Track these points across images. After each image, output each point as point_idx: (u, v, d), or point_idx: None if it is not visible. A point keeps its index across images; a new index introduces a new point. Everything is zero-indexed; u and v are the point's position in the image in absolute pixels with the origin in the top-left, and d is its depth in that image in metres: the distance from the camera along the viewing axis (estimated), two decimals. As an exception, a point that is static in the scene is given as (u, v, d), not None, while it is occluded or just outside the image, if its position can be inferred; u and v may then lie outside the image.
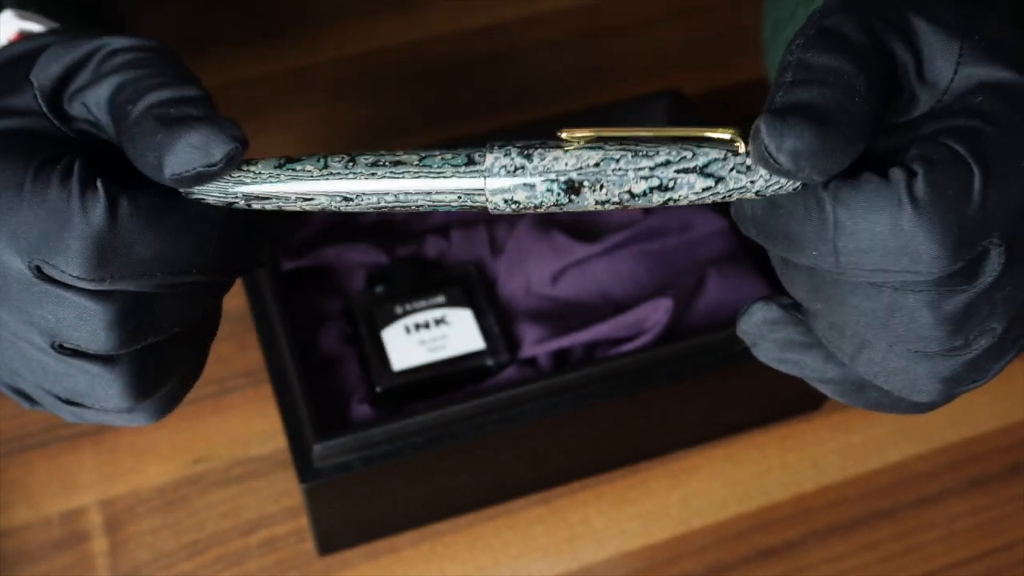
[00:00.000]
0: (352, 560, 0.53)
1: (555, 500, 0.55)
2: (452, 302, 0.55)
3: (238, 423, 0.57)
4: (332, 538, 0.53)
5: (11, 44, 0.38)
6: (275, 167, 0.32)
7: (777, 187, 0.30)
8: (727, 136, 0.30)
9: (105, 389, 0.33)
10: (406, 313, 0.54)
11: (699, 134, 0.30)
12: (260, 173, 0.32)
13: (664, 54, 0.74)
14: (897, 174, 0.29)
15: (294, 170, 0.32)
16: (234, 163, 0.32)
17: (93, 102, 0.34)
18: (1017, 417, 0.59)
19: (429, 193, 0.31)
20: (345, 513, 0.52)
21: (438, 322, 0.54)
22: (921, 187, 0.29)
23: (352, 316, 0.55)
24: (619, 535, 0.55)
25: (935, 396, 0.32)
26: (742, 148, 0.30)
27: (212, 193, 0.32)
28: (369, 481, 0.49)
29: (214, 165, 0.31)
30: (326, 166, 0.31)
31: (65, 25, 0.41)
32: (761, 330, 0.34)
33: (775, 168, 0.29)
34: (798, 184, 0.30)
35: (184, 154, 0.31)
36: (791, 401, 0.58)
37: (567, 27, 0.76)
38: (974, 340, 0.31)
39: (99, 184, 0.31)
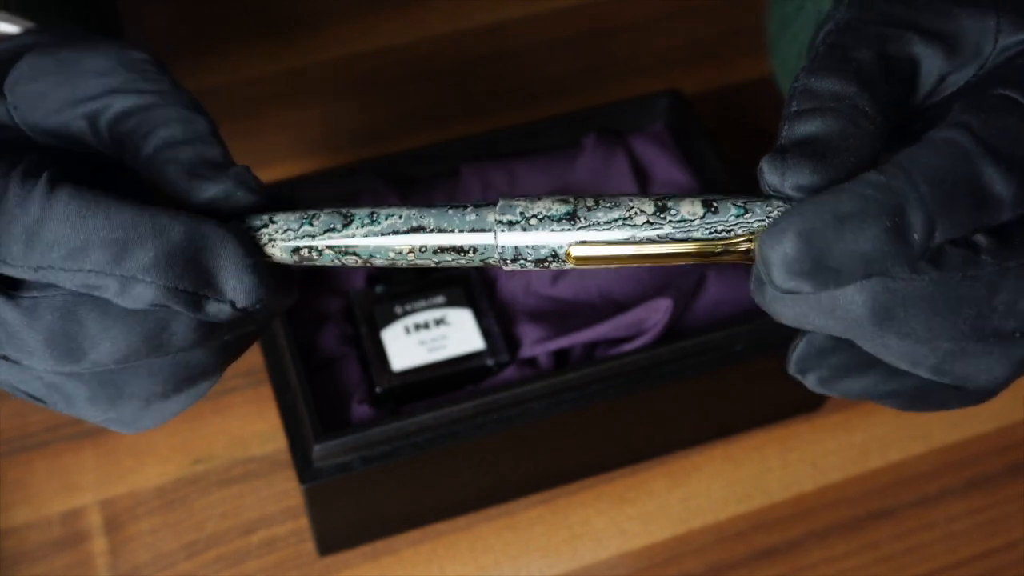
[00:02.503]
0: (352, 560, 0.53)
1: (555, 500, 0.55)
2: (452, 302, 0.55)
3: (238, 423, 0.57)
4: (332, 538, 0.53)
5: (11, 48, 0.38)
6: (296, 262, 0.33)
7: None
8: (743, 248, 0.30)
9: (64, 397, 0.33)
10: (406, 313, 0.54)
11: (715, 251, 0.30)
12: (279, 259, 0.33)
13: (664, 54, 0.74)
14: (952, 130, 0.28)
15: (311, 263, 0.33)
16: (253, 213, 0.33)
17: (81, 124, 0.34)
18: (1016, 417, 0.59)
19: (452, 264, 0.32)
20: (345, 513, 0.52)
21: (438, 322, 0.54)
22: (986, 129, 0.28)
23: (352, 316, 0.55)
24: (619, 535, 0.55)
25: (1007, 378, 0.31)
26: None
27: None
28: (369, 481, 0.49)
29: (238, 210, 0.32)
30: (344, 264, 0.33)
31: (43, 24, 0.41)
32: (814, 362, 0.32)
33: (785, 198, 0.29)
34: None
35: (210, 201, 0.32)
36: (791, 401, 0.58)
37: (567, 27, 0.76)
38: None
39: (44, 174, 0.31)
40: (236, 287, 0.32)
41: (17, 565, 0.53)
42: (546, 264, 0.31)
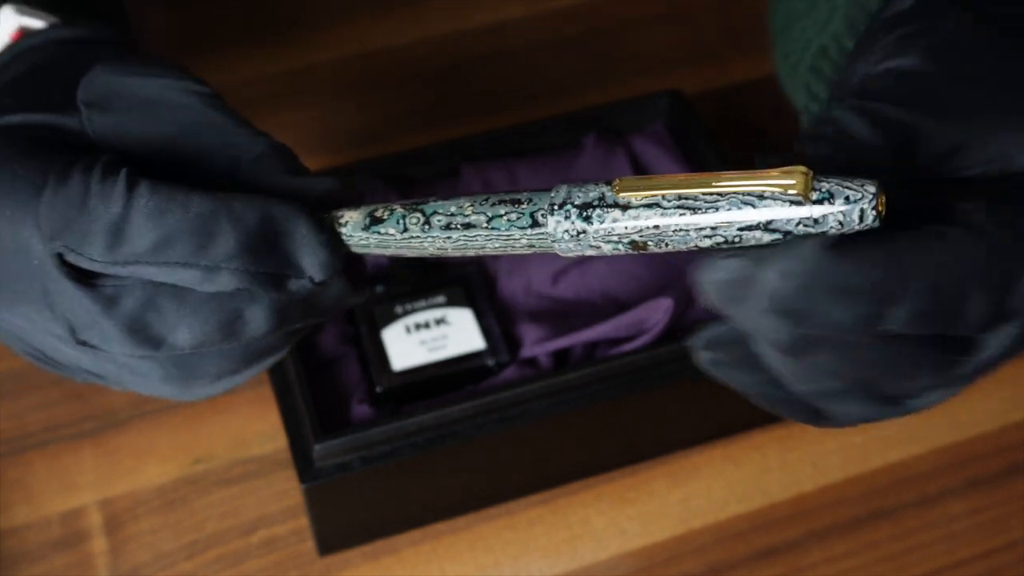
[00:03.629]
0: (352, 560, 0.53)
1: (555, 500, 0.55)
2: (452, 302, 0.55)
3: (238, 423, 0.57)
4: (332, 538, 0.53)
5: (41, 44, 0.39)
6: (363, 228, 0.33)
7: (849, 230, 0.29)
8: (790, 190, 0.28)
9: (139, 377, 0.35)
10: (406, 313, 0.54)
11: (760, 182, 0.29)
12: (351, 236, 0.34)
13: (664, 54, 0.74)
14: (969, 236, 0.29)
15: (379, 233, 0.33)
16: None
17: (160, 145, 0.35)
18: (1016, 417, 0.59)
19: (504, 249, 0.32)
20: (345, 513, 0.52)
21: (438, 322, 0.54)
22: (999, 249, 0.29)
23: (352, 316, 0.55)
24: (619, 535, 0.55)
25: (860, 422, 0.34)
26: (807, 207, 0.28)
27: None
28: (369, 481, 0.49)
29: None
30: (406, 229, 0.33)
31: (65, 19, 0.42)
32: (719, 346, 0.34)
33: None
34: (870, 223, 0.28)
35: (321, 194, 0.35)
36: (791, 401, 0.58)
37: (567, 27, 0.76)
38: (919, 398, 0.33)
39: (122, 171, 0.32)
40: (312, 263, 0.33)
41: (17, 565, 0.53)
42: (592, 209, 0.30)
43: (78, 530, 0.54)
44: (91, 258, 0.32)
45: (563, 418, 0.51)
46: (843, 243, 0.29)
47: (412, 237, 0.33)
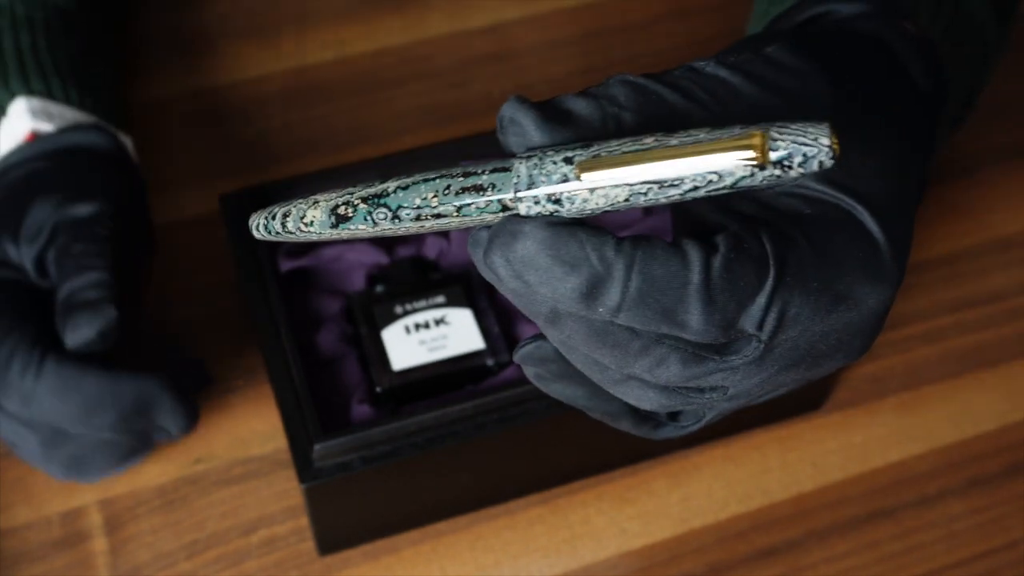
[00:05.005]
0: (352, 560, 0.53)
1: (555, 500, 0.55)
2: (452, 302, 0.55)
3: (238, 423, 0.57)
4: (332, 538, 0.53)
5: (48, 152, 0.52)
6: (331, 227, 0.33)
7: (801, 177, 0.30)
8: (751, 153, 0.29)
9: (45, 464, 0.52)
10: (406, 313, 0.54)
11: (719, 155, 0.30)
12: (321, 232, 0.33)
13: (664, 54, 0.74)
14: (696, 252, 0.31)
15: (349, 229, 0.33)
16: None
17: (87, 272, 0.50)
18: (1017, 417, 0.59)
19: (480, 226, 0.33)
20: (345, 513, 0.52)
21: (438, 322, 0.54)
22: (718, 269, 0.31)
23: (352, 316, 0.55)
24: (619, 535, 0.55)
25: (652, 408, 0.35)
26: (768, 169, 0.30)
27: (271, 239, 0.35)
28: (369, 481, 0.49)
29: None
30: (375, 223, 0.33)
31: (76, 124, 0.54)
32: (536, 362, 0.36)
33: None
34: (828, 167, 0.30)
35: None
36: (791, 401, 0.58)
37: (567, 27, 0.76)
38: (703, 393, 0.34)
39: (38, 349, 0.48)
40: (174, 425, 0.50)
41: (17, 565, 0.53)
42: (559, 197, 0.31)
43: (78, 530, 0.54)
44: (7, 410, 0.48)
45: (563, 418, 0.51)
46: (569, 223, 0.31)
47: (385, 229, 0.33)
